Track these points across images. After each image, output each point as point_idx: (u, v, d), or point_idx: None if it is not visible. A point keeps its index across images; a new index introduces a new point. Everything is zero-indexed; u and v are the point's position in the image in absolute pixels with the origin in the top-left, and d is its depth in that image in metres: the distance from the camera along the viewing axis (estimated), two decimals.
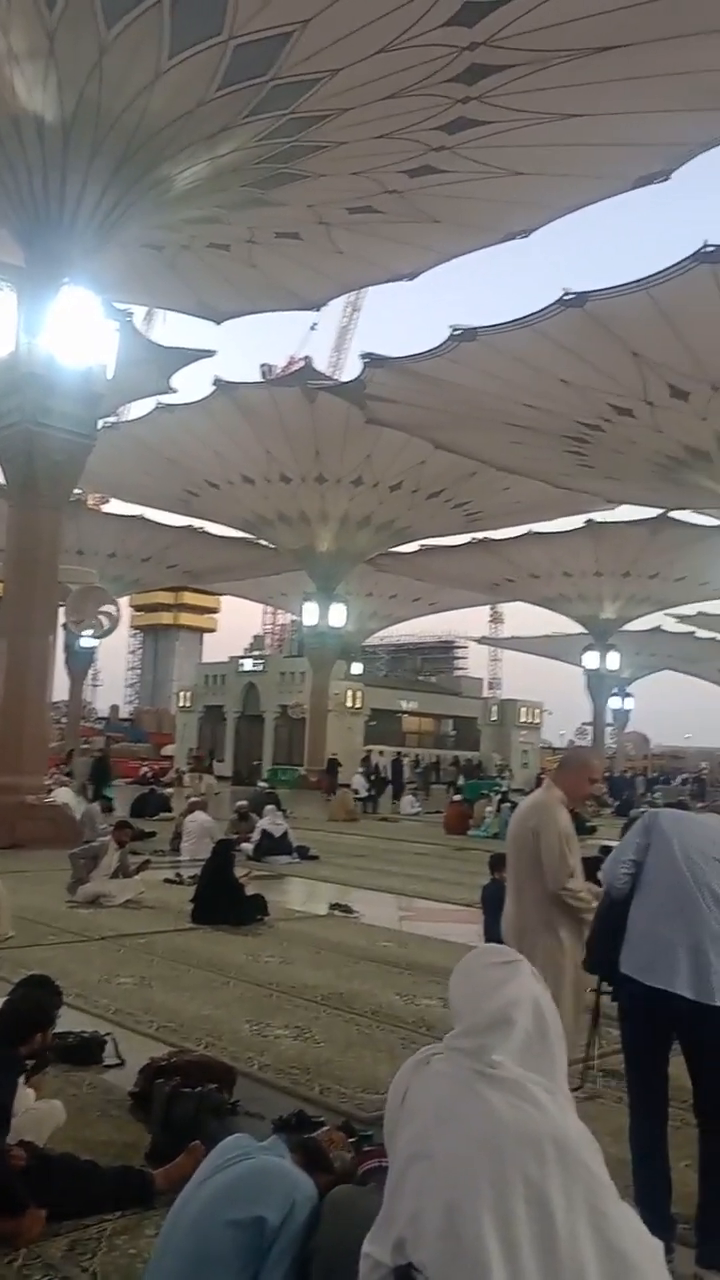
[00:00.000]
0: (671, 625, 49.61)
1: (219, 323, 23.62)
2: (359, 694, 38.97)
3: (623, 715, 50.92)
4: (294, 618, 49.93)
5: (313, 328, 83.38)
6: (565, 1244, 1.63)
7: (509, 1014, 1.80)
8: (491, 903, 7.95)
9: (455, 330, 19.52)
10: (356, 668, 44.28)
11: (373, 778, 27.94)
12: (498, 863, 8.22)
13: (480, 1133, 1.69)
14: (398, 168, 16.62)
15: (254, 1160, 2.52)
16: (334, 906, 10.33)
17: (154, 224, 17.38)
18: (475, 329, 19.40)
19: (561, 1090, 1.79)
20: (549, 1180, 1.65)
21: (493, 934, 7.75)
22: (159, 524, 37.42)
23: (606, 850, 11.95)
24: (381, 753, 32.96)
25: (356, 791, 24.90)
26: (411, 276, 21.54)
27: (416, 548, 37.90)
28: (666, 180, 16.87)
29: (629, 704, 50.88)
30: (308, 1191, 2.46)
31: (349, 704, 37.84)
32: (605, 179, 17.49)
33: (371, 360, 21.60)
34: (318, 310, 24.26)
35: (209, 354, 24.78)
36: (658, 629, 48.92)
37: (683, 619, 48.66)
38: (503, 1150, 1.67)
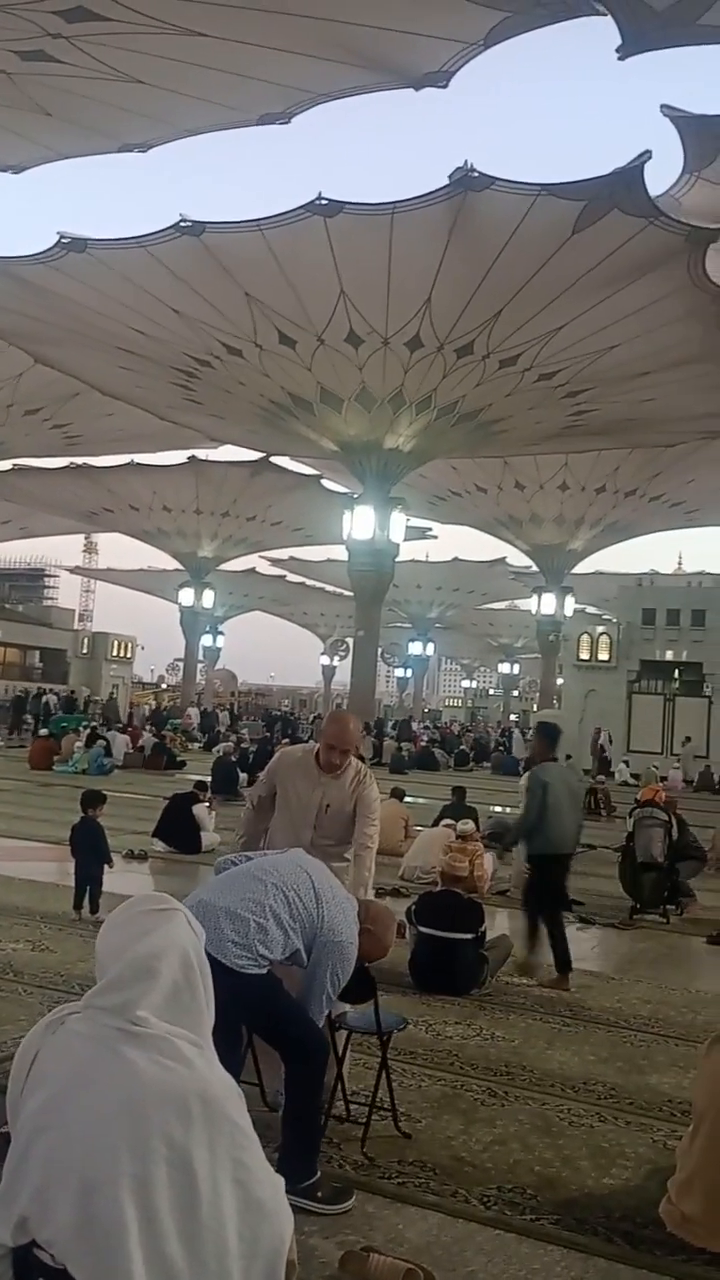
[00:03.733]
0: (265, 568, 51.38)
1: None
2: None
3: (214, 652, 52.09)
4: None
5: None
6: (207, 1203, 1.59)
7: (152, 965, 1.69)
8: (82, 841, 7.75)
9: (64, 238, 18.34)
10: None
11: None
12: (89, 800, 8.02)
13: (120, 1096, 1.58)
14: (8, 46, 15.04)
15: None
16: None
17: None
18: (86, 240, 18.36)
19: (208, 1044, 1.73)
20: (193, 1139, 1.59)
21: (84, 872, 7.56)
22: None
23: (201, 785, 12.01)
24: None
25: None
26: (17, 169, 19.72)
27: (9, 466, 35.42)
28: (287, 123, 16.94)
29: (221, 641, 52.15)
30: None
31: None
32: (228, 109, 17.13)
33: None
34: None
35: None
36: (252, 570, 50.37)
37: (275, 562, 50.60)
38: (145, 1112, 1.57)
